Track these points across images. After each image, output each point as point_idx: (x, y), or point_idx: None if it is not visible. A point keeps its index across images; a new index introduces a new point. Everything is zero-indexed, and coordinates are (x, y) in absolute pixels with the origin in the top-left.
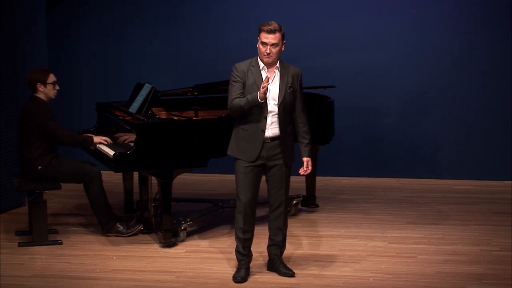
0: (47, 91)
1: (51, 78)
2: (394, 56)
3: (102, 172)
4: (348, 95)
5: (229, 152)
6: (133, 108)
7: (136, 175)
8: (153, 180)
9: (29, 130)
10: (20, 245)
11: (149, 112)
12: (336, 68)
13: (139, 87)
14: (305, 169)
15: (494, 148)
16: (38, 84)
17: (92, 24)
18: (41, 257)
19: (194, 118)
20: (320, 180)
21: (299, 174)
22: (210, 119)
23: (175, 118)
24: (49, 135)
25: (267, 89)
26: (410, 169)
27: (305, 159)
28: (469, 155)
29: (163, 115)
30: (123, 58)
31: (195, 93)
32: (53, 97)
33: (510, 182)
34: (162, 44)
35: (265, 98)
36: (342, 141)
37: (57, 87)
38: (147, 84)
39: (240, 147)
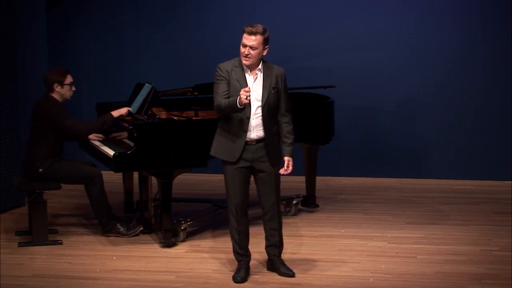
0: (63, 91)
1: (69, 79)
2: (394, 56)
3: (102, 172)
4: (348, 95)
5: (211, 153)
6: (133, 108)
7: (136, 175)
8: (153, 180)
9: (37, 129)
10: (20, 245)
11: (149, 112)
12: (336, 68)
13: (139, 87)
14: (285, 168)
15: (494, 148)
16: (55, 85)
17: (92, 24)
18: (41, 257)
19: (194, 118)
20: (320, 180)
21: (283, 175)
22: (210, 119)
23: (175, 118)
24: (67, 133)
25: (246, 98)
26: (410, 169)
27: (286, 158)
28: (469, 155)
29: (163, 115)
30: (123, 58)
31: (195, 93)
32: (69, 98)
33: (510, 182)
34: (162, 44)
35: (244, 106)
36: (342, 141)
37: (74, 88)
38: (147, 84)
39: (222, 147)
